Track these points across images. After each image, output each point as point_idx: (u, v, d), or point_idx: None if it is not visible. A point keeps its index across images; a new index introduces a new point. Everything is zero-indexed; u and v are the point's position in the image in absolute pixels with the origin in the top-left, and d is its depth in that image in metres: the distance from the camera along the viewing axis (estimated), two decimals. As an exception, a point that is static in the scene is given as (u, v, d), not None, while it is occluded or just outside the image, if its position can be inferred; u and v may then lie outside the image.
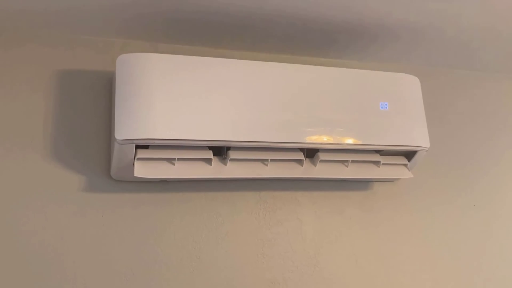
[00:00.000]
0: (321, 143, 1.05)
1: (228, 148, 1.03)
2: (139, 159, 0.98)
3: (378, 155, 1.14)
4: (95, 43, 1.14)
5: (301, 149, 1.08)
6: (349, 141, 1.07)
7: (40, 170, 1.04)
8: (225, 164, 1.03)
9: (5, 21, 1.06)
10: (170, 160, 1.00)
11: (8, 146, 1.03)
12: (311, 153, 1.10)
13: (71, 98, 1.09)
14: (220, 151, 1.04)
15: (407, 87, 1.15)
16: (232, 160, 1.03)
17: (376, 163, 1.14)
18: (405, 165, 1.16)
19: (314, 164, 1.10)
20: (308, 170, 1.09)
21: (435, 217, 1.30)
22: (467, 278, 1.29)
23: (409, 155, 1.16)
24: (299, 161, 1.09)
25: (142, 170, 0.98)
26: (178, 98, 0.97)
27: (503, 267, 1.33)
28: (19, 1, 0.98)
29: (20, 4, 1.00)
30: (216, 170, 1.03)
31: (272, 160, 1.06)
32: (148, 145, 0.98)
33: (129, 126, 0.94)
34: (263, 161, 1.06)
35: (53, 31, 1.11)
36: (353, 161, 1.12)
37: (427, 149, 1.14)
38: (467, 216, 1.33)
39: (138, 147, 0.97)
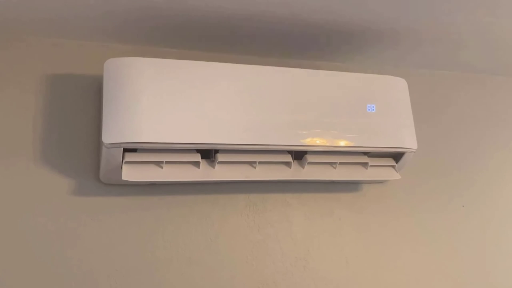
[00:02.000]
0: (309, 145, 1.06)
1: (216, 151, 1.04)
2: (127, 162, 0.98)
3: (366, 157, 1.15)
4: (84, 47, 1.14)
5: (289, 151, 1.09)
6: (337, 143, 1.08)
7: (29, 173, 1.04)
8: (213, 166, 1.04)
9: (-7, 26, 1.06)
10: (158, 164, 1.01)
11: (-3, 150, 1.04)
12: (299, 155, 1.11)
13: (60, 102, 1.10)
14: (208, 154, 1.05)
15: (394, 89, 1.16)
16: (220, 162, 1.04)
17: (364, 164, 1.15)
18: (393, 166, 1.17)
19: (302, 166, 1.10)
20: (296, 172, 1.10)
21: (424, 218, 1.31)
22: (456, 279, 1.30)
23: (396, 156, 1.17)
24: (287, 163, 1.09)
25: (130, 174, 0.99)
26: (165, 101, 0.97)
27: (493, 268, 1.34)
28: (7, 6, 0.99)
29: (9, 9, 1.00)
30: (204, 173, 1.04)
31: (260, 162, 1.07)
32: (136, 149, 0.98)
33: (116, 130, 0.94)
34: (251, 163, 1.07)
35: (42, 35, 1.11)
36: (341, 163, 1.13)
37: (414, 150, 1.14)
38: (456, 217, 1.34)
39: (126, 150, 0.97)
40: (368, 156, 1.15)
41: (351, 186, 1.27)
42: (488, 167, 1.42)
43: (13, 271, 0.99)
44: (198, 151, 1.03)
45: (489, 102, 1.48)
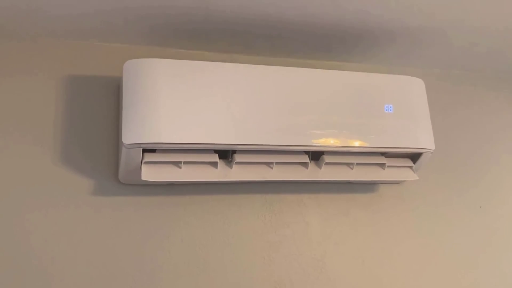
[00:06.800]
0: (326, 146, 1.06)
1: (234, 151, 1.04)
2: (146, 162, 0.99)
3: (383, 157, 1.15)
4: (104, 49, 1.16)
5: (306, 152, 1.09)
6: (354, 143, 1.08)
7: (50, 174, 1.06)
8: (231, 167, 1.05)
9: (15, 27, 1.08)
10: (177, 164, 1.02)
11: (20, 151, 1.05)
12: (316, 155, 1.11)
13: (81, 104, 1.12)
14: (226, 154, 1.05)
15: (411, 89, 1.16)
16: (237, 163, 1.04)
17: (381, 165, 1.14)
18: (410, 167, 1.17)
19: (319, 166, 1.10)
20: (313, 173, 1.10)
21: (441, 219, 1.30)
22: (473, 279, 1.28)
23: (414, 157, 1.16)
24: (304, 164, 1.09)
25: (149, 174, 1.00)
26: (184, 102, 0.98)
27: (510, 268, 1.33)
28: (28, 8, 1.00)
29: (30, 11, 1.02)
30: (222, 173, 1.04)
31: (277, 163, 1.07)
32: (155, 149, 0.99)
33: (136, 131, 0.95)
34: (268, 164, 1.07)
35: (63, 37, 1.13)
36: (358, 164, 1.12)
37: (432, 151, 1.14)
38: (473, 217, 1.33)
39: (145, 151, 0.98)
40: (386, 157, 1.15)
41: (368, 186, 1.27)
42: (506, 167, 1.40)
43: (32, 270, 1.00)
44: (216, 151, 1.03)
45: (505, 101, 1.47)
